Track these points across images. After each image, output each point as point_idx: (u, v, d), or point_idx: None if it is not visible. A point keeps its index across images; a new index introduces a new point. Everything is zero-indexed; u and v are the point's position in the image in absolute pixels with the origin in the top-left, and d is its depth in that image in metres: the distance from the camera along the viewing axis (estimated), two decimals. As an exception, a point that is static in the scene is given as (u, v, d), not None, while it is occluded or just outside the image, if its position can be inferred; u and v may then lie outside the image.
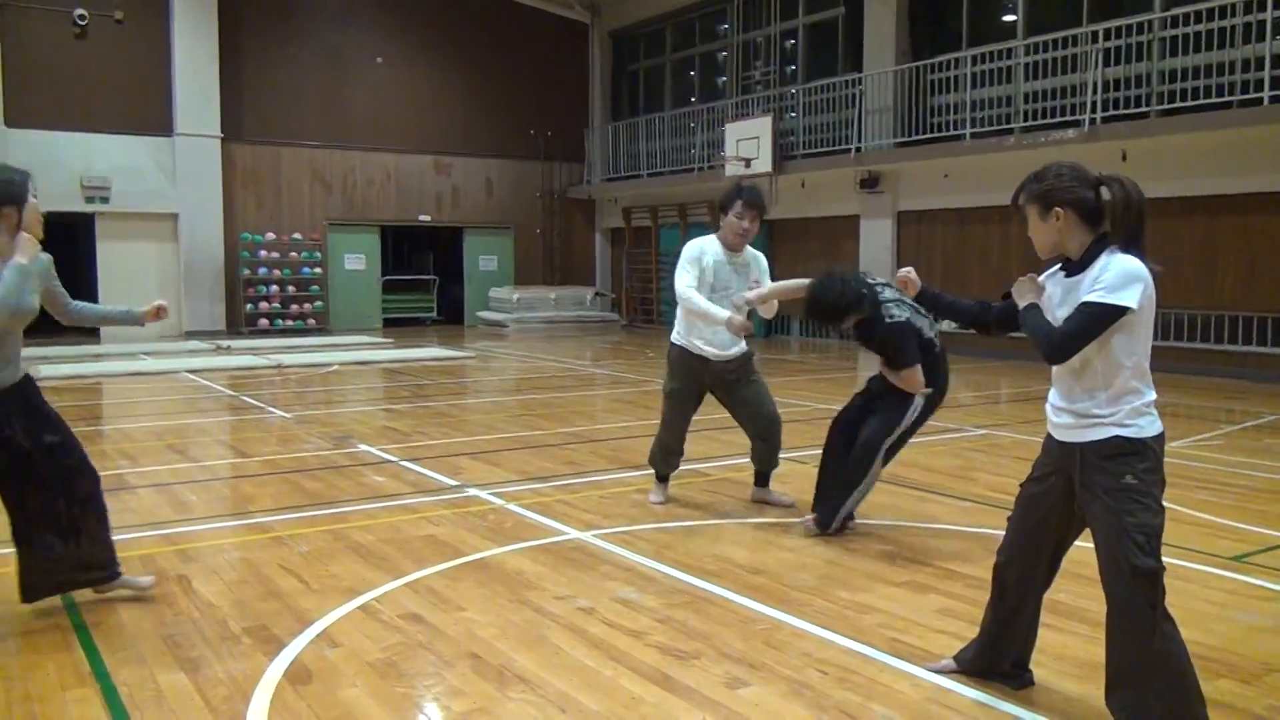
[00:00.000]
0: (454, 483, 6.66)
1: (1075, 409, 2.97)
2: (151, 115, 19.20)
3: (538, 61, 23.14)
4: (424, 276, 23.96)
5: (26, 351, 4.11)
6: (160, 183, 19.27)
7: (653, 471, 6.17)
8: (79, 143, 18.59)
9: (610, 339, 19.42)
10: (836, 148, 17.20)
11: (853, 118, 16.92)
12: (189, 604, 4.28)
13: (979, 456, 7.55)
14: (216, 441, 8.77)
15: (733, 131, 18.36)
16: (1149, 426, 2.90)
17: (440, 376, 13.39)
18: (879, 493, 6.36)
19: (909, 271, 3.63)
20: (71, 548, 4.04)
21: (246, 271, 19.99)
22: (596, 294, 23.36)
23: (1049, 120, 14.18)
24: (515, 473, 6.94)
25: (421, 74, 22.16)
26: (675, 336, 5.83)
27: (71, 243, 22.63)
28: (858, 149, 16.75)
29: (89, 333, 19.04)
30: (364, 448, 7.93)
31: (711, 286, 5.57)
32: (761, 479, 6.11)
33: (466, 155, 22.73)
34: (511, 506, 5.98)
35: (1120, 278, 2.81)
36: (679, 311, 5.73)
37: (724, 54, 21.31)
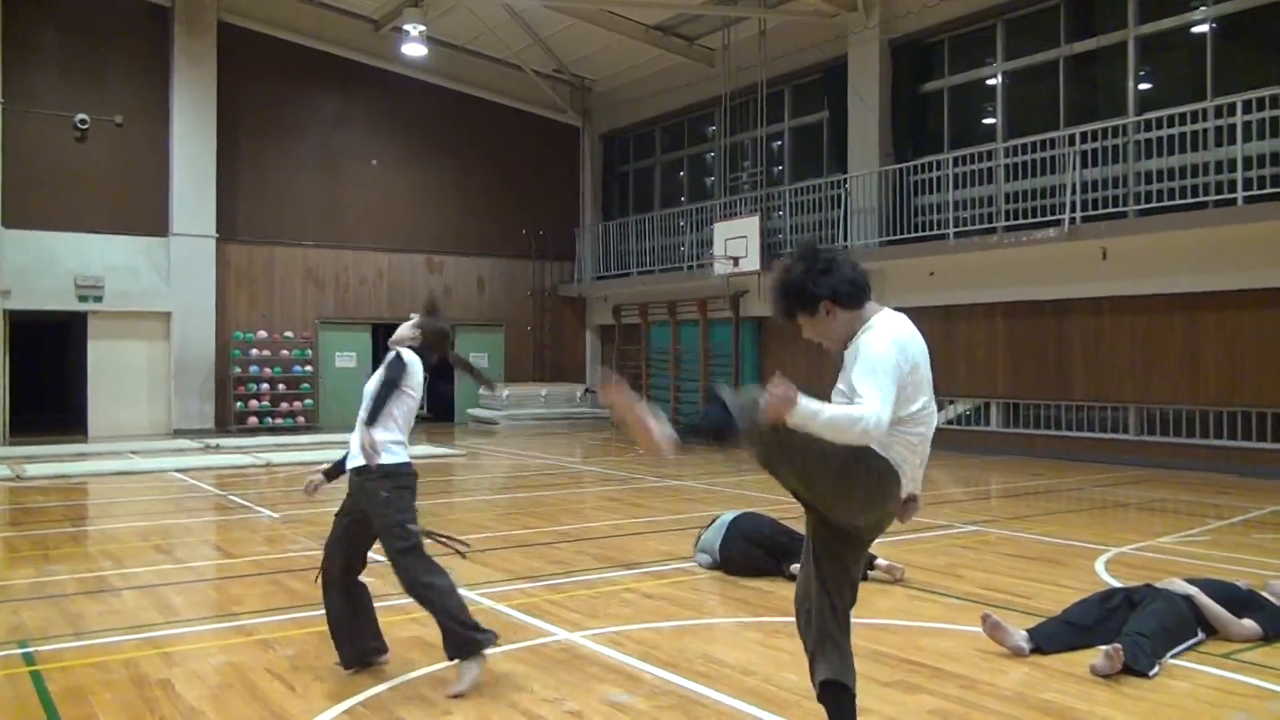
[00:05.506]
0: (442, 583, 6.60)
1: None
2: (148, 216, 19.43)
3: (530, 163, 23.58)
4: (414, 374, 23.97)
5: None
6: (154, 282, 19.42)
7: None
8: (75, 243, 18.76)
9: (600, 436, 19.40)
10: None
11: (839, 217, 17.22)
12: (172, 710, 4.22)
13: (968, 554, 7.53)
14: (203, 542, 8.71)
15: (721, 231, 18.65)
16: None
17: (429, 474, 13.34)
18: (868, 591, 6.33)
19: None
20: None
21: (237, 370, 20.01)
22: (586, 391, 23.43)
23: (1031, 220, 14.46)
24: (503, 572, 6.90)
25: (415, 175, 22.55)
26: None
27: (64, 341, 22.81)
28: (844, 247, 17.01)
29: (77, 430, 19.02)
30: (352, 547, 7.86)
31: None
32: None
33: (459, 254, 23.01)
34: (500, 607, 5.94)
35: None
36: None
37: (712, 155, 21.77)
